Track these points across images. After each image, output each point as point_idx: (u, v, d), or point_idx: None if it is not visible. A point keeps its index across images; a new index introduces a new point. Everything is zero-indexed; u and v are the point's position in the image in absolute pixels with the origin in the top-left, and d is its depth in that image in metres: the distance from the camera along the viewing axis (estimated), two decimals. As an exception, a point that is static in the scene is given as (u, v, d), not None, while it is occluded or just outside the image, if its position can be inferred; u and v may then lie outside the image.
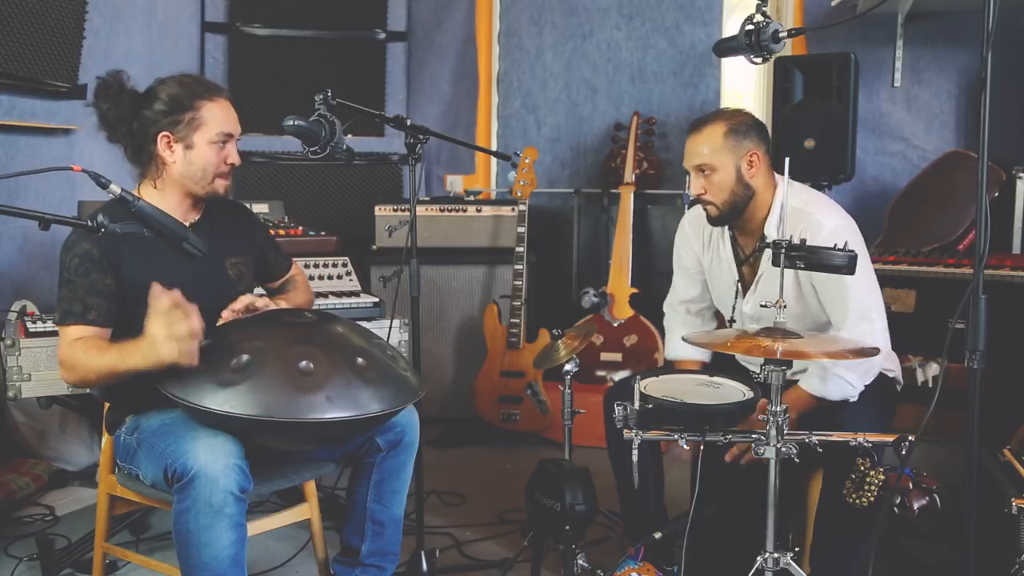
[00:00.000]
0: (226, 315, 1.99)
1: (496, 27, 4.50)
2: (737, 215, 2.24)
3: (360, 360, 1.86)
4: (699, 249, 2.43)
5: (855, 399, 2.10)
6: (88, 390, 2.24)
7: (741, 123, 2.21)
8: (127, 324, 1.94)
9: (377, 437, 2.08)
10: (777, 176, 2.27)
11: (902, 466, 1.78)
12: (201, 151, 2.01)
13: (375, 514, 2.13)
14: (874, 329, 2.11)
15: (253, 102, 4.16)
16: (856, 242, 2.14)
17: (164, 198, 2.04)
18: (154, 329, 1.77)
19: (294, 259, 2.43)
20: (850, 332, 2.10)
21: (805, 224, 2.14)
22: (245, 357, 1.78)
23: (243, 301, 2.01)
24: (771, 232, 2.20)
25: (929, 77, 3.93)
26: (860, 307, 2.11)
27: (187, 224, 2.07)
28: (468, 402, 3.86)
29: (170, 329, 1.75)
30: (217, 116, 2.01)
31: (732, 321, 2.36)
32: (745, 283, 2.33)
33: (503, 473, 3.45)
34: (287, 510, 2.18)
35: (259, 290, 2.32)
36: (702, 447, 1.94)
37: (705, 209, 2.26)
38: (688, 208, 2.55)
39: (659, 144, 4.28)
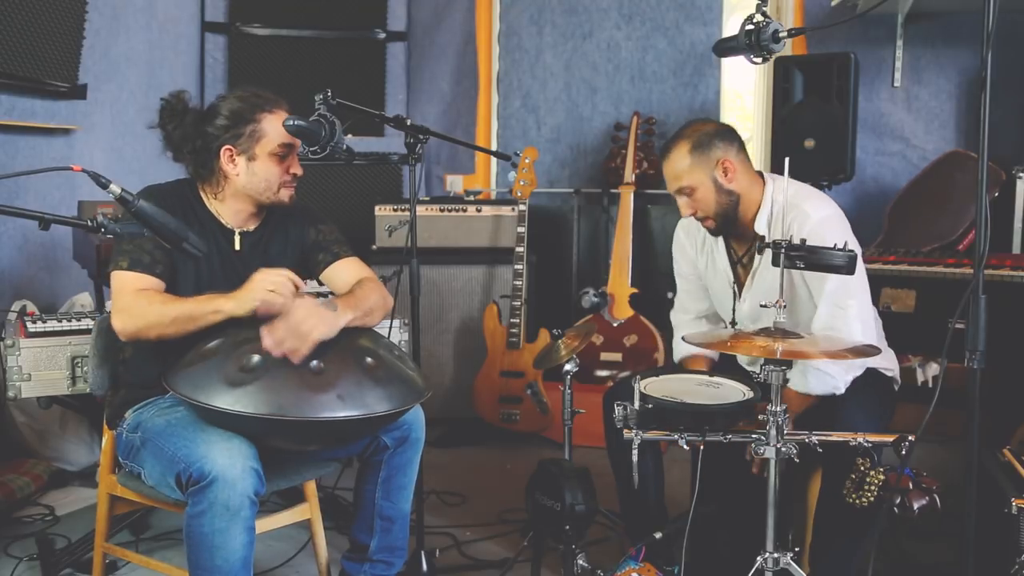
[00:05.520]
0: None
1: (496, 27, 4.50)
2: (732, 222, 2.25)
3: (369, 360, 1.87)
4: (693, 254, 2.44)
5: (841, 391, 2.10)
6: (91, 390, 2.24)
7: (702, 135, 2.21)
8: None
9: (384, 435, 2.08)
10: (768, 175, 2.28)
11: (902, 466, 1.78)
12: (263, 163, 2.05)
13: (383, 510, 2.13)
14: (848, 315, 2.10)
15: (253, 102, 4.14)
16: (843, 231, 2.16)
17: (223, 208, 2.10)
18: (259, 276, 1.87)
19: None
20: (821, 316, 2.11)
21: (793, 216, 2.14)
22: (255, 357, 1.78)
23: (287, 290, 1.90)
24: (761, 227, 2.22)
25: (929, 77, 3.93)
26: (836, 293, 2.10)
27: (243, 230, 2.12)
28: (468, 402, 3.86)
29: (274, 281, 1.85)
30: (278, 127, 2.03)
31: (733, 323, 2.36)
32: (740, 283, 2.34)
33: (503, 473, 3.45)
34: (287, 510, 2.17)
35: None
36: (702, 447, 1.94)
37: (704, 226, 2.28)
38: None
39: (659, 144, 4.26)
